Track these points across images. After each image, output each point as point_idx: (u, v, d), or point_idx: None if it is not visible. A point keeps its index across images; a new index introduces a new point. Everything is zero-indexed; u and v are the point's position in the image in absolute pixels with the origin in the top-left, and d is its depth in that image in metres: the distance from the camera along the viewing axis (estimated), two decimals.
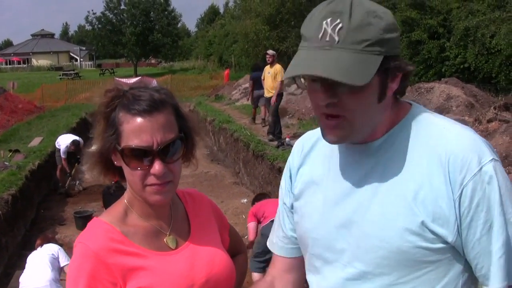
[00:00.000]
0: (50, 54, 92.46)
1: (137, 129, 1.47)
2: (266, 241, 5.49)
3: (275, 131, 13.07)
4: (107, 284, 1.48)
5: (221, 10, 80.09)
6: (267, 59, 13.89)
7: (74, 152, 12.23)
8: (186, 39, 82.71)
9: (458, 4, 20.82)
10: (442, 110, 12.02)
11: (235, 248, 1.92)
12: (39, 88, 31.89)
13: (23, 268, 6.28)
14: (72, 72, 59.42)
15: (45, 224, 10.58)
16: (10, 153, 13.28)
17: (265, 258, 6.41)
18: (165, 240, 1.62)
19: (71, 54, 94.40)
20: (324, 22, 1.27)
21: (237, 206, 10.78)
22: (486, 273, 1.32)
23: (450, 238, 1.31)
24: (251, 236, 6.76)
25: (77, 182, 12.98)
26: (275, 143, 12.37)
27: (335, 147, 1.51)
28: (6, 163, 11.83)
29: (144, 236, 1.58)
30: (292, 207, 1.66)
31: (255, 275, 6.36)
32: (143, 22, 60.63)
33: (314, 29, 1.30)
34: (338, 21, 1.26)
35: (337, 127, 1.33)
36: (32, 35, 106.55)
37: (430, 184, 1.32)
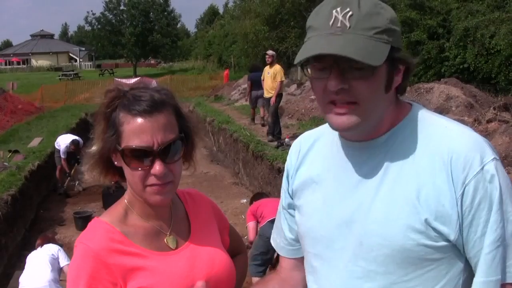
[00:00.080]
0: (50, 55, 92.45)
1: (137, 130, 1.47)
2: (263, 242, 5.51)
3: (275, 132, 13.08)
4: (108, 284, 1.48)
5: (221, 11, 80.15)
6: (266, 59, 13.90)
7: (74, 152, 12.23)
8: (186, 39, 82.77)
9: (458, 4, 20.82)
10: (441, 110, 12.02)
11: (235, 248, 1.92)
12: (39, 88, 31.88)
13: (23, 268, 6.28)
14: (71, 72, 59.42)
15: (45, 225, 10.59)
16: (10, 154, 13.29)
17: (263, 261, 6.36)
18: (165, 240, 1.62)
19: (70, 54, 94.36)
20: (334, 10, 1.31)
21: (237, 206, 10.79)
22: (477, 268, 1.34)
23: (452, 236, 1.32)
24: (251, 236, 6.70)
25: (77, 182, 12.98)
26: (275, 143, 12.39)
27: (335, 146, 1.52)
28: (5, 163, 11.83)
29: (144, 236, 1.58)
30: (288, 207, 1.67)
31: (255, 280, 6.20)
32: (142, 22, 60.65)
33: (324, 18, 1.33)
34: (348, 9, 1.30)
35: (347, 113, 1.34)
36: (31, 35, 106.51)
37: (433, 182, 1.33)
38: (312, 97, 17.17)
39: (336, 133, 1.52)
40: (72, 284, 1.49)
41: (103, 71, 64.69)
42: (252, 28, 34.13)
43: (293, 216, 1.66)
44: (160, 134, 1.47)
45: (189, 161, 1.65)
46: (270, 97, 13.17)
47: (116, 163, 1.55)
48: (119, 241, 1.53)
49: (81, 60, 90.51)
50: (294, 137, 12.15)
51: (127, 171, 1.53)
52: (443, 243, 1.33)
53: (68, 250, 6.97)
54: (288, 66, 27.71)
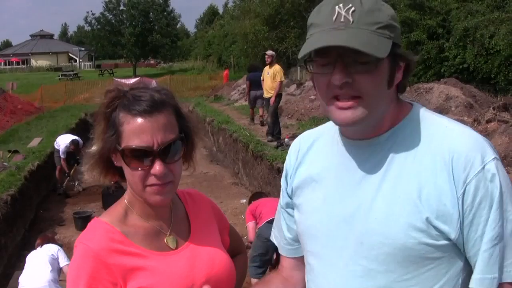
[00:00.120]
0: (49, 55, 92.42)
1: (137, 130, 1.47)
2: (262, 243, 5.49)
3: (274, 132, 13.09)
4: (108, 284, 1.48)
5: (220, 11, 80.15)
6: (266, 59, 13.90)
7: (74, 152, 12.23)
8: (185, 39, 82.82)
9: (457, 4, 20.82)
10: (441, 110, 12.02)
11: (235, 248, 1.92)
12: (38, 89, 31.88)
13: (22, 268, 6.28)
14: (71, 72, 59.37)
15: (45, 225, 10.58)
16: (9, 154, 13.28)
17: (262, 262, 6.30)
18: (165, 240, 1.62)
19: (70, 54, 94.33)
20: (337, 6, 1.33)
21: (236, 206, 10.79)
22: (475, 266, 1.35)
23: (453, 235, 1.33)
24: (251, 236, 6.65)
25: (77, 182, 12.97)
26: (274, 143, 12.39)
27: (335, 145, 1.52)
28: (5, 163, 11.83)
29: (144, 236, 1.59)
30: (287, 206, 1.68)
31: (255, 282, 6.23)
32: (142, 22, 60.63)
33: (326, 14, 1.34)
34: (350, 5, 1.32)
35: (352, 107, 1.35)
36: (31, 35, 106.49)
37: (434, 181, 1.33)
38: (312, 97, 17.17)
39: (337, 132, 1.53)
40: (72, 284, 1.49)
41: (102, 71, 64.65)
42: (251, 28, 34.12)
43: (291, 215, 1.67)
44: (160, 134, 1.48)
45: (189, 161, 1.65)
46: (270, 97, 13.16)
47: (116, 163, 1.55)
48: (119, 241, 1.53)
49: (80, 60, 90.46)
50: (293, 137, 12.15)
51: (127, 171, 1.53)
52: (444, 242, 1.34)
53: (68, 250, 6.97)
54: (287, 66, 27.75)
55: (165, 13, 63.31)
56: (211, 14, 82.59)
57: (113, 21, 62.30)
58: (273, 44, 30.63)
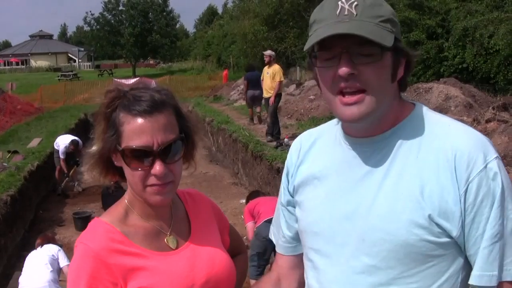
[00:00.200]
0: (49, 55, 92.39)
1: (137, 130, 1.47)
2: (260, 242, 5.47)
3: (274, 132, 13.09)
4: (108, 284, 1.48)
5: (220, 11, 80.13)
6: (264, 59, 13.90)
7: (73, 153, 12.22)
8: (185, 39, 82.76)
9: (457, 4, 20.80)
10: (440, 110, 12.02)
11: (236, 248, 1.93)
12: (38, 89, 31.86)
13: (22, 268, 6.27)
14: (70, 73, 59.29)
15: (44, 225, 10.57)
16: (9, 154, 13.28)
17: (260, 262, 6.24)
18: (165, 240, 1.62)
19: (69, 55, 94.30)
20: (340, 1, 1.36)
21: (236, 206, 10.78)
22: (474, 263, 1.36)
23: (455, 232, 1.34)
24: (250, 236, 6.58)
25: (76, 183, 12.97)
26: (274, 143, 12.39)
27: (337, 143, 1.54)
28: (5, 164, 11.82)
29: (144, 236, 1.59)
30: (288, 204, 1.68)
31: (253, 282, 6.08)
32: (141, 23, 60.60)
33: (330, 9, 1.37)
34: (353, 0, 1.35)
35: (357, 102, 1.36)
36: (30, 36, 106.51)
37: (437, 179, 1.35)
38: (311, 97, 17.19)
39: (339, 130, 1.54)
40: (72, 284, 1.50)
41: (102, 71, 64.57)
42: (251, 28, 34.10)
43: (291, 213, 1.68)
44: (160, 134, 1.48)
45: (190, 161, 1.65)
46: (270, 97, 13.16)
47: (116, 163, 1.55)
48: (119, 241, 1.53)
49: (80, 60, 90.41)
50: (293, 137, 12.16)
51: (127, 171, 1.53)
52: (446, 239, 1.35)
53: (68, 250, 6.97)
54: (287, 66, 27.72)
55: (164, 13, 63.29)
56: (210, 14, 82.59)
57: (112, 21, 62.27)
58: (272, 44, 30.61)
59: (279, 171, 9.59)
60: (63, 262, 6.20)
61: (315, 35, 1.37)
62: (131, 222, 1.59)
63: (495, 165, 1.34)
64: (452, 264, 1.38)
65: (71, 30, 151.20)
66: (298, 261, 1.69)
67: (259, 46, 31.93)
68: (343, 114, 1.39)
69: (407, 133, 1.43)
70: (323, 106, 15.57)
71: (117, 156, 1.53)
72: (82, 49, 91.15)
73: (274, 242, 1.79)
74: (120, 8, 62.59)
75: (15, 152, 13.54)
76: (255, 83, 14.95)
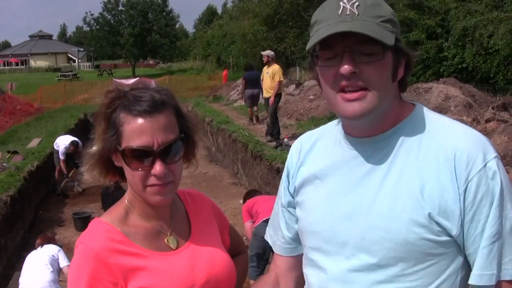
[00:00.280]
0: (48, 55, 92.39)
1: (138, 130, 1.47)
2: (259, 242, 5.43)
3: (274, 132, 13.09)
4: (108, 284, 1.48)
5: (219, 11, 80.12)
6: (263, 59, 13.90)
7: (73, 154, 12.21)
8: (184, 39, 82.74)
9: (456, 4, 20.80)
10: (440, 110, 12.02)
11: (236, 248, 1.93)
12: (37, 89, 31.85)
13: (22, 269, 6.26)
14: (70, 73, 59.30)
15: (44, 226, 10.57)
16: (9, 155, 13.27)
17: (259, 262, 6.20)
18: (165, 240, 1.62)
19: (69, 55, 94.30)
20: (341, 2, 1.37)
21: (236, 206, 10.77)
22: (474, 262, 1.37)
23: (454, 231, 1.35)
24: (249, 235, 6.52)
25: (76, 183, 12.96)
26: (274, 143, 12.38)
27: (338, 143, 1.54)
28: (4, 164, 11.82)
29: (144, 236, 1.59)
30: (288, 205, 1.69)
31: (253, 283, 6.09)
32: (141, 23, 60.59)
33: (331, 10, 1.38)
34: (354, 0, 1.37)
35: (359, 98, 1.37)
36: (30, 36, 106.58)
37: (437, 178, 1.36)
38: (311, 97, 17.20)
39: (339, 130, 1.55)
40: (73, 284, 1.50)
41: (101, 71, 64.57)
42: (250, 28, 34.11)
43: (292, 214, 1.68)
44: (161, 134, 1.48)
45: (190, 160, 1.66)
46: (269, 97, 13.16)
47: (116, 163, 1.55)
48: (120, 241, 1.53)
49: (79, 60, 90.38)
50: (292, 137, 12.17)
51: (127, 171, 1.53)
52: (445, 238, 1.36)
53: (67, 250, 6.97)
54: (286, 66, 27.71)
55: (164, 13, 63.28)
56: (210, 14, 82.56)
57: (112, 21, 62.26)
58: (272, 44, 30.60)
59: (278, 171, 9.59)
60: (63, 262, 6.19)
61: (317, 34, 1.38)
62: (131, 222, 1.60)
63: (494, 164, 1.35)
64: (452, 263, 1.39)
65: (70, 30, 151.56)
66: (297, 262, 1.69)
67: (258, 46, 31.92)
68: (344, 110, 1.40)
69: (407, 132, 1.44)
70: (322, 106, 15.58)
71: (117, 156, 1.53)
72: (82, 49, 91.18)
73: (271, 244, 1.79)
74: (120, 8, 62.62)
75: (15, 152, 13.53)
76: (254, 82, 15.07)
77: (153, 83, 1.64)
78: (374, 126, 1.45)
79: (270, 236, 1.80)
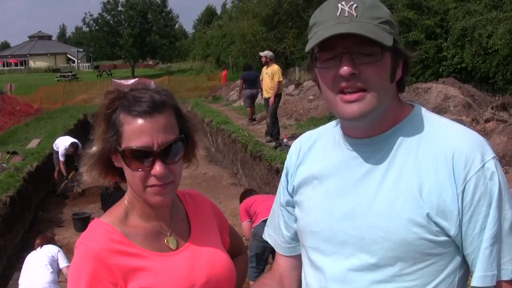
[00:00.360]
0: (48, 56, 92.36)
1: (137, 130, 1.48)
2: (258, 242, 5.42)
3: (273, 132, 13.08)
4: (108, 285, 1.48)
5: (218, 11, 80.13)
6: (262, 60, 13.91)
7: (72, 155, 12.20)
8: (184, 40, 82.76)
9: (455, 4, 20.80)
10: (439, 110, 12.04)
11: (236, 248, 1.93)
12: (37, 90, 31.86)
13: (21, 269, 6.26)
14: (69, 73, 59.30)
15: (44, 226, 10.56)
16: (8, 155, 13.26)
17: (258, 262, 6.15)
18: (165, 241, 1.62)
19: (68, 55, 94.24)
20: (340, 4, 1.38)
21: (235, 207, 10.73)
22: (476, 264, 1.38)
23: (452, 231, 1.36)
24: (247, 234, 6.44)
25: (76, 183, 12.96)
26: (273, 143, 12.38)
27: (337, 144, 1.55)
28: (4, 165, 11.82)
29: (144, 237, 1.59)
30: (287, 204, 1.69)
31: (252, 284, 5.98)
32: (140, 23, 60.62)
33: (330, 11, 1.39)
34: (352, 2, 1.38)
35: (358, 99, 1.38)
36: (29, 37, 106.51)
37: (435, 178, 1.37)
38: (310, 97, 17.20)
39: (338, 131, 1.56)
40: (72, 285, 1.50)
41: (101, 72, 64.59)
42: (250, 28, 34.14)
43: (291, 213, 1.68)
44: (160, 135, 1.48)
45: (190, 161, 1.66)
46: (269, 97, 13.16)
47: (116, 164, 1.56)
48: (120, 242, 1.53)
49: (79, 61, 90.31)
50: (292, 137, 12.17)
51: (127, 172, 1.53)
52: (444, 238, 1.36)
53: (67, 251, 6.97)
54: (286, 66, 27.71)
55: (163, 14, 63.32)
56: (209, 15, 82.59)
57: (111, 22, 62.30)
58: (271, 44, 30.62)
59: (278, 172, 9.59)
60: (62, 263, 6.19)
61: (316, 36, 1.38)
62: (131, 223, 1.60)
63: (492, 165, 1.35)
64: (450, 263, 1.40)
65: (70, 31, 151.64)
66: (298, 262, 1.69)
67: (258, 46, 31.94)
68: (344, 111, 1.40)
69: (406, 133, 1.45)
70: (322, 106, 15.59)
71: (117, 157, 1.53)
72: (81, 49, 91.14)
73: (272, 243, 1.79)
74: (119, 8, 62.66)
75: (14, 153, 13.53)
76: (252, 82, 15.22)
77: (152, 83, 1.64)
78: (373, 127, 1.45)
79: (269, 235, 1.80)
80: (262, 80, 13.80)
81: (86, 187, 12.80)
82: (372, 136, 1.46)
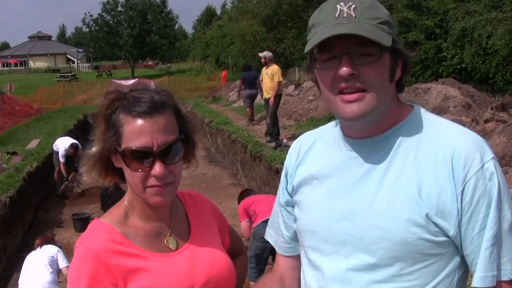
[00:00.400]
0: (47, 56, 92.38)
1: (137, 131, 1.48)
2: (258, 243, 5.43)
3: (273, 132, 13.08)
4: (108, 285, 1.48)
5: (218, 11, 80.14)
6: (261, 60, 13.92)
7: (72, 156, 12.19)
8: (183, 40, 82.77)
9: (455, 4, 20.80)
10: (439, 110, 12.04)
11: (235, 249, 1.93)
12: (37, 90, 31.85)
13: (21, 270, 6.26)
14: (69, 74, 59.30)
15: (43, 226, 10.56)
16: (8, 155, 13.26)
17: (258, 263, 6.13)
18: (165, 241, 1.62)
19: (68, 56, 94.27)
20: (338, 5, 1.39)
21: (235, 207, 10.70)
22: (476, 264, 1.38)
23: (451, 231, 1.36)
24: (246, 234, 6.38)
25: (75, 184, 12.95)
26: (273, 144, 12.37)
27: (336, 144, 1.55)
28: (3, 165, 11.81)
29: (144, 237, 1.59)
30: (286, 204, 1.69)
31: (252, 284, 5.97)
32: (140, 23, 60.61)
33: (329, 13, 1.39)
34: (351, 3, 1.38)
35: (358, 99, 1.38)
36: (29, 37, 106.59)
37: (434, 179, 1.37)
38: (310, 97, 17.19)
39: (338, 131, 1.57)
40: (72, 285, 1.50)
41: (101, 72, 64.59)
42: (249, 29, 34.14)
43: (290, 213, 1.69)
44: (160, 135, 1.48)
45: (190, 161, 1.66)
46: (269, 98, 13.15)
47: (116, 164, 1.56)
48: (119, 242, 1.53)
49: (79, 61, 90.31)
50: (292, 138, 12.16)
51: (127, 172, 1.53)
52: (443, 238, 1.37)
53: (67, 251, 6.96)
54: (285, 66, 27.70)
55: (163, 14, 63.33)
56: (209, 15, 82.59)
57: (111, 22, 62.29)
58: (271, 44, 30.63)
59: (278, 172, 9.59)
60: (62, 263, 6.19)
61: (315, 37, 1.39)
62: (131, 223, 1.60)
63: (491, 165, 1.36)
64: (449, 263, 1.40)
65: (69, 31, 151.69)
66: (298, 262, 1.69)
67: (257, 46, 31.95)
68: (344, 111, 1.41)
69: (406, 133, 1.45)
70: (322, 106, 15.59)
71: (117, 157, 1.53)
72: (81, 50, 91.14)
73: (272, 244, 1.79)
74: (119, 9, 62.64)
75: (14, 153, 13.53)
76: (251, 82, 15.31)
77: (152, 84, 1.64)
78: (373, 127, 1.46)
79: (270, 235, 1.81)
80: (262, 80, 13.80)
81: (86, 187, 12.80)
82: (372, 136, 1.47)
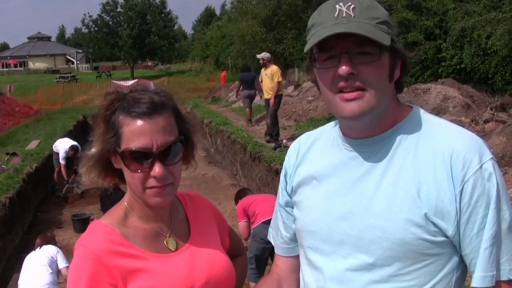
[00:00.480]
0: (47, 57, 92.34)
1: (137, 132, 1.48)
2: (258, 244, 5.43)
3: (273, 133, 13.07)
4: (108, 286, 1.48)
5: (218, 12, 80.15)
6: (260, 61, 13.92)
7: (72, 158, 12.19)
8: (183, 41, 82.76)
9: (454, 5, 20.82)
10: (438, 110, 12.04)
11: (235, 249, 1.93)
12: (36, 91, 31.85)
13: (21, 270, 6.25)
14: (69, 75, 59.32)
15: (43, 227, 10.55)
16: (8, 156, 13.26)
17: (258, 264, 6.10)
18: (165, 242, 1.62)
19: (67, 57, 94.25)
20: (337, 5, 1.39)
21: (235, 208, 10.73)
22: (475, 265, 1.38)
23: (450, 231, 1.36)
24: (244, 235, 6.29)
25: (75, 185, 12.95)
26: (272, 144, 12.37)
27: (336, 144, 1.56)
28: (3, 166, 11.81)
29: (144, 238, 1.59)
30: (286, 205, 1.70)
31: (252, 285, 6.02)
32: (139, 24, 60.65)
33: (328, 13, 1.40)
34: (350, 3, 1.39)
35: (357, 98, 1.39)
36: (28, 38, 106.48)
37: (433, 179, 1.37)
38: (310, 98, 17.20)
39: (337, 132, 1.57)
40: (72, 286, 1.50)
41: (100, 73, 64.60)
42: (249, 29, 34.15)
43: (289, 214, 1.69)
44: (160, 136, 1.48)
45: (189, 162, 1.66)
46: (269, 98, 13.14)
47: (115, 165, 1.56)
48: (119, 243, 1.53)
49: (78, 62, 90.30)
50: (291, 138, 12.16)
51: (127, 173, 1.53)
52: (442, 238, 1.37)
53: (66, 252, 6.96)
54: (285, 67, 27.70)
55: (162, 15, 63.35)
56: (208, 16, 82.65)
57: (111, 23, 62.32)
58: (270, 45, 30.65)
59: (277, 172, 9.58)
60: (61, 263, 6.19)
61: (315, 37, 1.39)
62: (130, 224, 1.60)
63: (490, 166, 1.36)
64: (448, 263, 1.40)
65: (69, 32, 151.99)
66: (297, 263, 1.70)
67: (257, 47, 31.96)
68: (343, 110, 1.41)
69: (404, 134, 1.46)
70: (321, 107, 15.59)
71: (117, 158, 1.53)
72: (80, 51, 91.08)
73: (273, 244, 1.80)
74: (118, 10, 62.65)
75: (14, 154, 13.53)
76: (249, 83, 15.40)
77: (151, 84, 1.64)
78: (373, 126, 1.46)
79: (272, 236, 1.81)
80: (261, 81, 13.80)
81: (85, 188, 12.79)
82: (371, 136, 1.47)
